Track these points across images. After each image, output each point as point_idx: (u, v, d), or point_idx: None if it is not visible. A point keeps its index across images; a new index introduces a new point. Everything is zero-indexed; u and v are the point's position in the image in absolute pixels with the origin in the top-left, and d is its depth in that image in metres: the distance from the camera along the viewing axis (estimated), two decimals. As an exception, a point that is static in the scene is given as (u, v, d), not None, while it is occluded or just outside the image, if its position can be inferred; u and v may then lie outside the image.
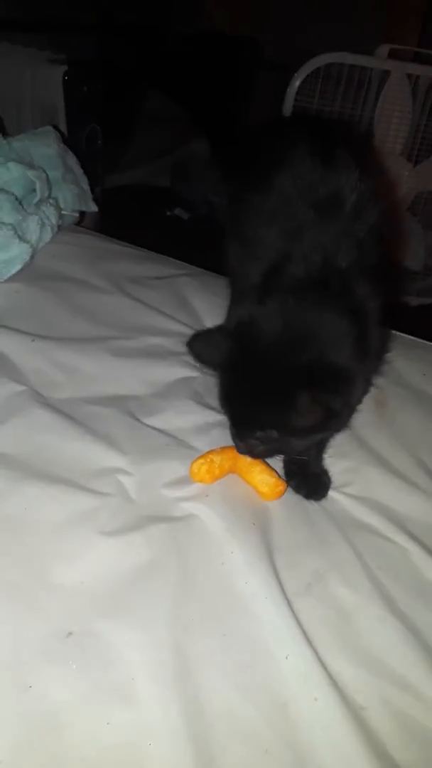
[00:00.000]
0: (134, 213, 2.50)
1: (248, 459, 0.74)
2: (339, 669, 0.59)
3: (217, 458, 0.74)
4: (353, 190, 0.76)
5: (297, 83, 1.88)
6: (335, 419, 0.68)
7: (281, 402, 0.64)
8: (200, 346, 0.70)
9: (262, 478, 0.74)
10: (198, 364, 0.73)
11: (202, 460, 0.73)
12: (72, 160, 1.32)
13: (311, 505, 0.76)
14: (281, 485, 0.75)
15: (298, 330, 0.66)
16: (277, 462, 0.78)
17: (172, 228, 2.60)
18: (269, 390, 0.64)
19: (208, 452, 0.75)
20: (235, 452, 0.73)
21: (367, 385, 0.79)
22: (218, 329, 0.73)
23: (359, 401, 0.76)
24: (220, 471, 0.74)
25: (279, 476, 0.76)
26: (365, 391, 0.79)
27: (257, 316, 0.68)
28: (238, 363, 0.67)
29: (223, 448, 0.75)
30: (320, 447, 0.80)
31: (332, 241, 0.72)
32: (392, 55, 1.91)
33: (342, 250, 0.72)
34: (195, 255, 1.26)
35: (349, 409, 0.72)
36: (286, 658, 0.58)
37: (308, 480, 0.78)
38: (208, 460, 0.73)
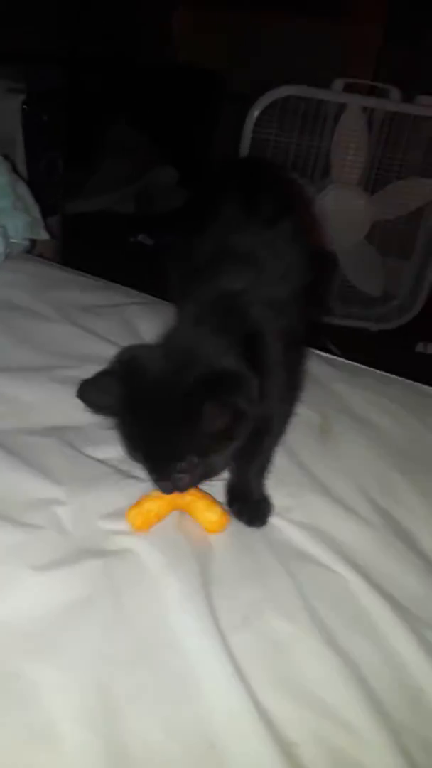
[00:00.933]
0: (98, 239, 2.51)
1: (194, 494, 0.73)
2: (271, 704, 0.58)
3: (153, 506, 0.72)
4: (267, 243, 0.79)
5: (255, 114, 1.93)
6: (245, 420, 0.68)
7: (189, 423, 0.64)
8: (92, 394, 0.68)
9: (206, 513, 0.73)
10: (93, 413, 0.69)
11: (136, 510, 0.71)
12: (23, 189, 1.32)
13: (252, 535, 0.75)
14: (225, 519, 0.74)
15: (179, 355, 0.67)
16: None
17: (135, 254, 2.62)
18: (173, 417, 0.65)
19: (145, 497, 0.72)
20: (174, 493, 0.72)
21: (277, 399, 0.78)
22: (104, 372, 0.70)
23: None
24: (157, 518, 0.72)
25: (223, 509, 0.75)
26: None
27: (137, 353, 0.69)
28: (133, 404, 0.66)
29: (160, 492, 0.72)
30: (259, 471, 0.80)
31: (232, 279, 0.75)
32: (348, 88, 1.98)
33: (240, 283, 0.74)
34: (158, 281, 1.26)
35: (252, 409, 0.69)
36: (217, 695, 0.57)
37: (249, 507, 0.78)
38: (144, 510, 0.71)
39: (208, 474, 0.70)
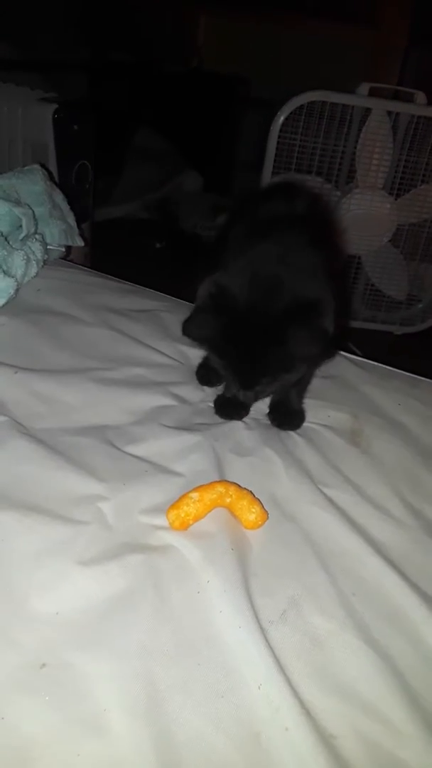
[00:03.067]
0: (124, 245, 2.55)
1: (233, 495, 0.75)
2: (311, 698, 0.59)
3: (191, 510, 0.73)
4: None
5: (281, 120, 1.95)
6: (325, 342, 0.79)
7: (278, 346, 0.76)
8: (193, 331, 0.80)
9: (245, 513, 0.75)
10: (198, 346, 0.88)
11: (175, 513, 0.73)
12: (59, 197, 1.36)
13: (289, 530, 0.77)
14: (264, 516, 0.76)
15: (265, 284, 0.77)
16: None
17: (161, 260, 2.65)
18: (264, 342, 0.76)
19: (184, 497, 0.74)
20: (214, 495, 0.75)
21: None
22: (198, 309, 0.80)
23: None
24: (195, 520, 0.74)
25: (262, 508, 0.76)
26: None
27: (224, 284, 0.78)
28: (228, 333, 0.77)
29: (201, 493, 0.75)
30: (299, 392, 0.96)
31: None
32: (373, 93, 1.99)
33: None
34: (181, 287, 1.29)
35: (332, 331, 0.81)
36: (259, 687, 0.59)
37: (286, 414, 0.94)
38: (182, 513, 0.73)
39: (284, 384, 0.87)
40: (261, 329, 0.76)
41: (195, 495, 0.74)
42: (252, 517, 0.75)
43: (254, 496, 0.77)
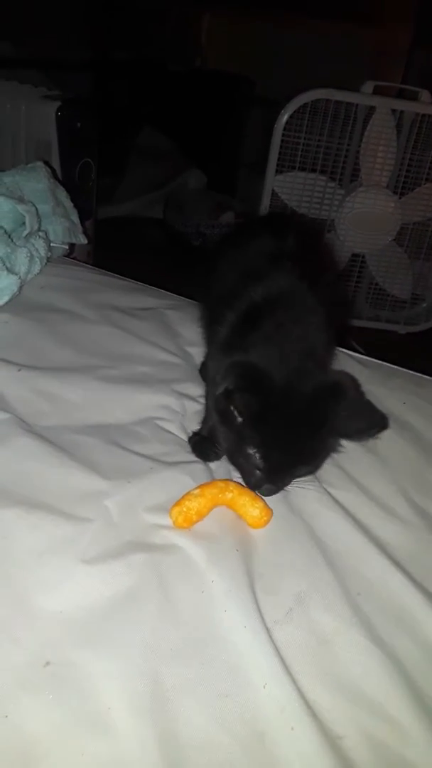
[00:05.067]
0: (128, 243, 2.55)
1: (234, 491, 0.75)
2: (316, 697, 0.59)
3: (193, 505, 0.73)
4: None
5: (285, 118, 1.95)
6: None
7: (319, 429, 0.70)
8: (242, 409, 0.71)
9: (249, 508, 0.75)
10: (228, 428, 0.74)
11: (178, 509, 0.73)
12: (62, 194, 1.36)
13: (294, 528, 0.76)
14: (268, 513, 0.75)
15: (296, 361, 0.72)
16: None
17: (163, 257, 2.65)
18: (311, 421, 0.70)
19: (187, 495, 0.74)
20: (215, 489, 0.74)
21: None
22: (235, 389, 0.70)
23: None
24: (199, 515, 0.73)
25: (266, 504, 0.76)
26: None
27: (255, 362, 0.71)
28: (265, 413, 0.70)
29: (202, 489, 0.75)
30: None
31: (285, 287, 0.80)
32: (377, 91, 1.98)
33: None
34: (184, 284, 1.29)
35: None
36: (264, 687, 0.58)
37: None
38: (185, 508, 0.73)
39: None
40: (299, 415, 0.69)
41: (196, 491, 0.74)
42: (255, 512, 0.74)
43: (255, 493, 0.76)
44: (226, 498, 0.75)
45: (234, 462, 0.76)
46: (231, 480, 0.77)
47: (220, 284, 0.87)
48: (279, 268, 0.81)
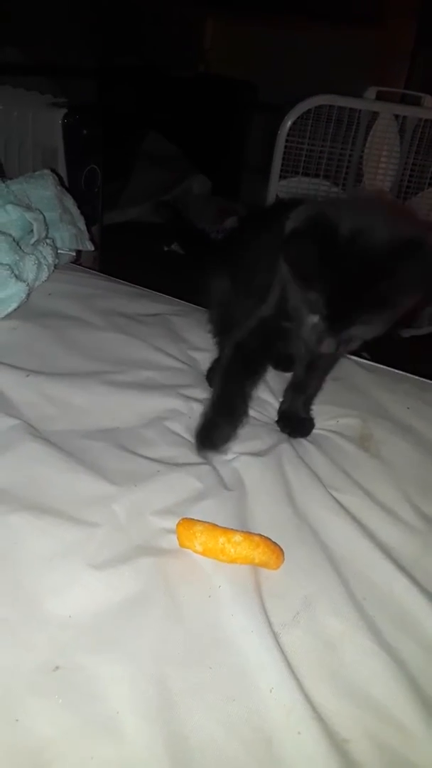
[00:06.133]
0: (133, 248, 2.56)
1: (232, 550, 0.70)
2: (323, 701, 0.59)
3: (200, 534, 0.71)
4: None
5: (288, 124, 1.96)
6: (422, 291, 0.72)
7: (393, 275, 0.68)
8: (294, 255, 0.72)
9: (262, 556, 0.71)
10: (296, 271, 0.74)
11: (186, 534, 0.71)
12: (69, 202, 1.37)
13: (301, 533, 0.77)
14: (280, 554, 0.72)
15: (367, 218, 0.71)
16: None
17: (169, 262, 2.66)
18: (375, 271, 0.68)
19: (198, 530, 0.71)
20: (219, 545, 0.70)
21: None
22: (294, 234, 0.72)
23: None
24: (201, 545, 0.71)
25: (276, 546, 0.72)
26: None
27: (322, 212, 0.72)
28: (328, 259, 0.69)
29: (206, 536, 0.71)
30: (308, 400, 0.97)
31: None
32: (380, 96, 1.99)
33: None
34: (190, 289, 1.30)
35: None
36: (271, 691, 0.59)
37: (295, 422, 0.95)
38: (187, 535, 0.71)
39: (366, 336, 0.76)
40: (366, 261, 0.69)
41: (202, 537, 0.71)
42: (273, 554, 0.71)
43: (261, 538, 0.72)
44: (230, 554, 0.70)
45: (297, 318, 0.76)
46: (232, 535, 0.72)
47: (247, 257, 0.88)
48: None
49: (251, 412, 0.94)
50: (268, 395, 1.03)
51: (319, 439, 0.94)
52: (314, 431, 0.95)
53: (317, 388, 0.98)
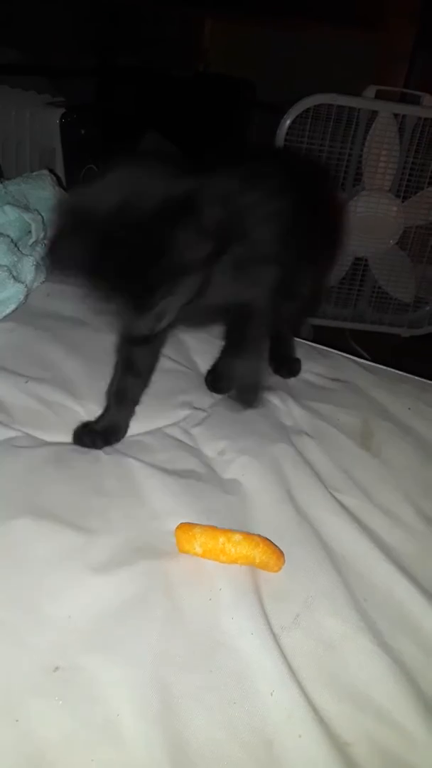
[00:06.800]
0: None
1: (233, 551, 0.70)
2: (324, 704, 0.59)
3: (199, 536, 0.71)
4: None
5: (287, 123, 1.95)
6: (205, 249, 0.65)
7: (153, 252, 0.61)
8: (64, 261, 0.66)
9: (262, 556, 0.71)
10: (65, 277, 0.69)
11: (184, 538, 0.71)
12: (67, 202, 1.36)
13: (300, 534, 0.77)
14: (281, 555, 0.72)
15: (128, 186, 0.65)
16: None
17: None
18: (136, 250, 0.61)
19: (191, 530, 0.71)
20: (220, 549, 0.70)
21: None
22: (56, 236, 0.65)
23: None
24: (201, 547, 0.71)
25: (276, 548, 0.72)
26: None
27: (77, 198, 0.68)
28: (94, 252, 0.63)
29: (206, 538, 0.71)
30: (247, 358, 0.92)
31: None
32: (379, 95, 1.98)
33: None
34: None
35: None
36: (271, 694, 0.59)
37: (286, 361, 1.06)
38: (190, 534, 0.71)
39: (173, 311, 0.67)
40: (132, 241, 0.61)
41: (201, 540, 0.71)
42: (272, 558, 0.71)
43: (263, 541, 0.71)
44: (230, 554, 0.70)
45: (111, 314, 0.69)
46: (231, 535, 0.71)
47: None
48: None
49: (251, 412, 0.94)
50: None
51: (319, 437, 0.94)
52: (315, 429, 0.95)
53: (256, 343, 0.91)
